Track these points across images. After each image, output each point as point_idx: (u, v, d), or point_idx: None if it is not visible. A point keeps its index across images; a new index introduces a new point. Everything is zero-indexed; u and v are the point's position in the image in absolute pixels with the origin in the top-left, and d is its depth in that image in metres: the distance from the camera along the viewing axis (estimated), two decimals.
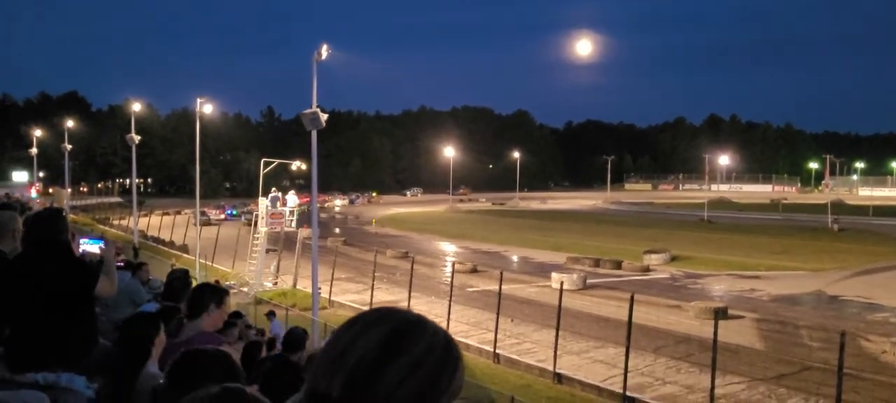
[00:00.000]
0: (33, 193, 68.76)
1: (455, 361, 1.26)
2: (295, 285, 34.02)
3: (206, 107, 41.02)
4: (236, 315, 9.86)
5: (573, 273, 34.49)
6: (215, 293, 5.20)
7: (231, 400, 2.00)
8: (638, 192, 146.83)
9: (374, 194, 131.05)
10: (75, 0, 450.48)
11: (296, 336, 7.89)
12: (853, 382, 16.97)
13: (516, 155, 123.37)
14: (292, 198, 38.54)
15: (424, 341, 1.22)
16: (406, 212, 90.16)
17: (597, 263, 39.46)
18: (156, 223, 57.91)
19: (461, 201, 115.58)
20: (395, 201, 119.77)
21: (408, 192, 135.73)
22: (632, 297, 19.33)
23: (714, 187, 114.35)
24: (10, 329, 4.54)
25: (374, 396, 1.17)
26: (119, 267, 9.79)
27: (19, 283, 4.49)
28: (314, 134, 24.18)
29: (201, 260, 37.75)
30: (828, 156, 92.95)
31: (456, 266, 33.84)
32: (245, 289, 33.27)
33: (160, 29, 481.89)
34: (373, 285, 30.01)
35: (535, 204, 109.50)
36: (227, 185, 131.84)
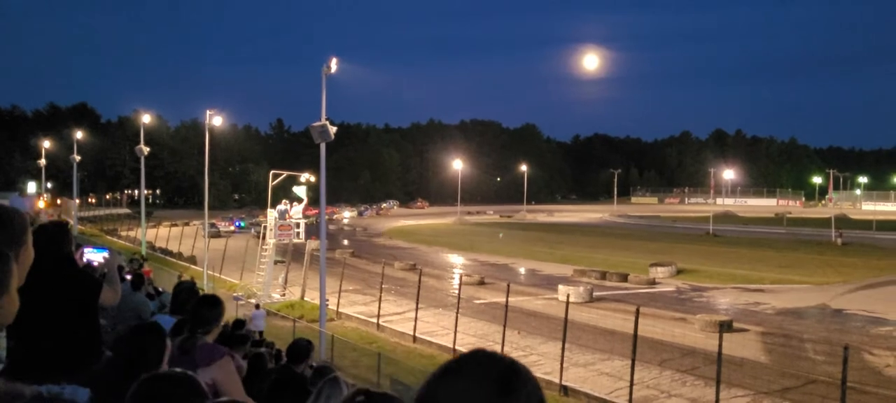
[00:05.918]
0: (41, 203, 69.03)
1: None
2: (303, 297, 33.95)
3: (216, 119, 41.09)
4: (239, 324, 9.88)
5: (580, 285, 34.41)
6: (210, 304, 5.28)
7: None
8: (644, 206, 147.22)
9: (383, 205, 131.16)
10: (84, 12, 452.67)
11: (300, 348, 7.93)
12: (857, 396, 16.98)
13: (524, 168, 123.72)
14: (298, 209, 37.40)
15: (531, 382, 1.36)
16: (414, 224, 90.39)
17: (603, 276, 39.39)
18: (164, 234, 57.85)
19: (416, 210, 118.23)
20: (404, 213, 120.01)
21: (384, 204, 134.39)
22: (637, 310, 19.27)
23: (719, 201, 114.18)
24: (13, 340, 4.60)
25: None
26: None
27: (23, 296, 4.56)
28: (323, 146, 24.33)
29: (209, 272, 37.88)
30: (831, 171, 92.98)
31: (463, 278, 33.83)
32: (253, 301, 33.26)
33: (170, 41, 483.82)
34: (380, 297, 29.92)
35: (542, 217, 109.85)
36: (236, 197, 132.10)
